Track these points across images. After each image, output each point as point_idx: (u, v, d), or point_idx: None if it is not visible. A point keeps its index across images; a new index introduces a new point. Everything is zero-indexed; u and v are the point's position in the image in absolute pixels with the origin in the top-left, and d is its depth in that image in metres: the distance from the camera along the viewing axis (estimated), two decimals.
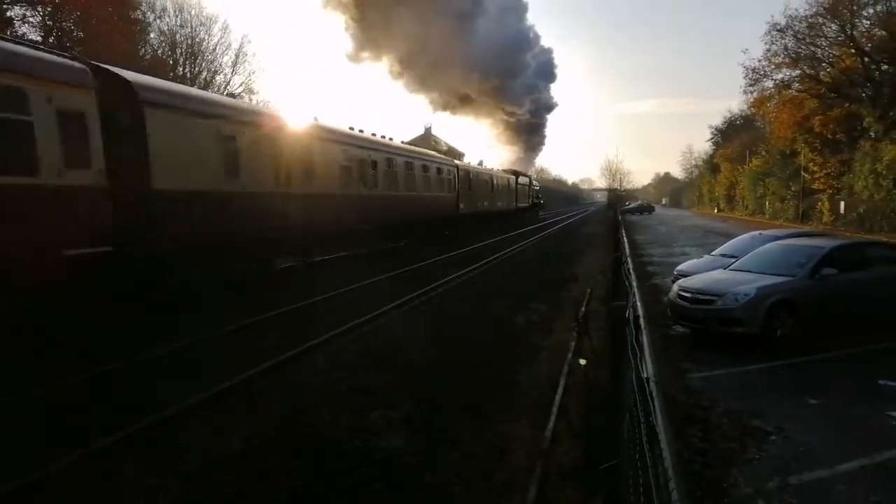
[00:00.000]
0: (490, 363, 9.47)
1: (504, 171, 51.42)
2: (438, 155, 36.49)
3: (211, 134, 13.67)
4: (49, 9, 31.41)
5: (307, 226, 17.73)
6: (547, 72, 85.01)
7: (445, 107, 74.06)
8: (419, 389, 8.04)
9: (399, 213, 25.45)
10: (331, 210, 19.36)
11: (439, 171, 31.93)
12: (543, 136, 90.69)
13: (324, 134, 19.59)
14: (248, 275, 15.08)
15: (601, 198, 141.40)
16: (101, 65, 11.55)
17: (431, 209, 30.26)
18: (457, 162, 39.27)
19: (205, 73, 42.53)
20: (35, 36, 30.12)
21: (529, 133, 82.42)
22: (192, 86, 31.76)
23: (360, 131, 24.33)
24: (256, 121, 16.05)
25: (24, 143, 9.27)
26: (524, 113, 78.91)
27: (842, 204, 44.51)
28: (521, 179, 55.03)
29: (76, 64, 10.66)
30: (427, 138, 67.93)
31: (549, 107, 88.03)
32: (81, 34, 31.49)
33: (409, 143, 36.78)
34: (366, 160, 22.60)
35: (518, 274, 19.78)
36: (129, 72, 12.54)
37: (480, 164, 48.69)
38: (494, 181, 44.27)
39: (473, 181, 38.48)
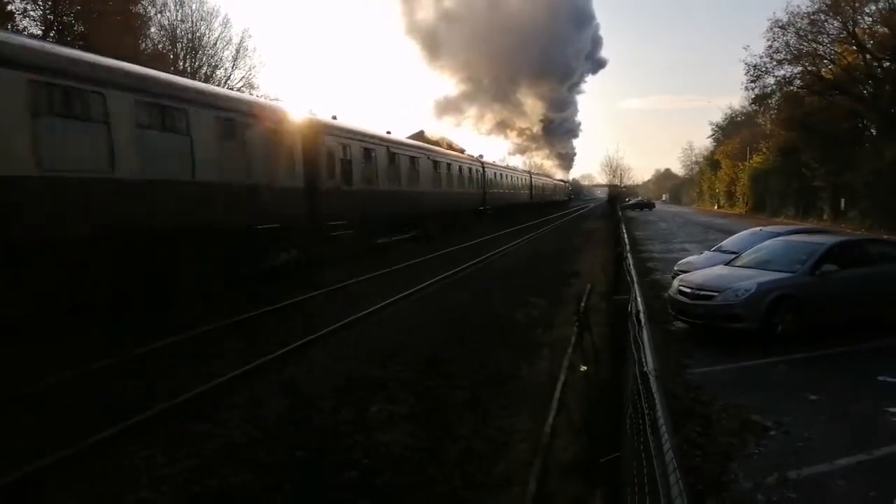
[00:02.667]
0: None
1: (560, 179, 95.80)
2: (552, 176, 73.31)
3: None
4: (50, 3, 31.37)
5: None
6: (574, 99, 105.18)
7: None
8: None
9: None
10: None
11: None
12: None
13: None
14: None
15: (601, 194, 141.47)
16: None
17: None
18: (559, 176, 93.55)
19: (205, 68, 42.50)
20: (36, 30, 30.12)
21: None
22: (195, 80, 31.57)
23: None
24: None
25: None
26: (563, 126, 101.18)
27: (843, 201, 44.50)
28: (566, 183, 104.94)
29: None
30: (422, 135, 69.99)
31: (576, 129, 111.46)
32: (82, 28, 31.46)
33: (410, 137, 35.36)
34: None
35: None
36: None
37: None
38: (557, 185, 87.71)
39: (557, 185, 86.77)
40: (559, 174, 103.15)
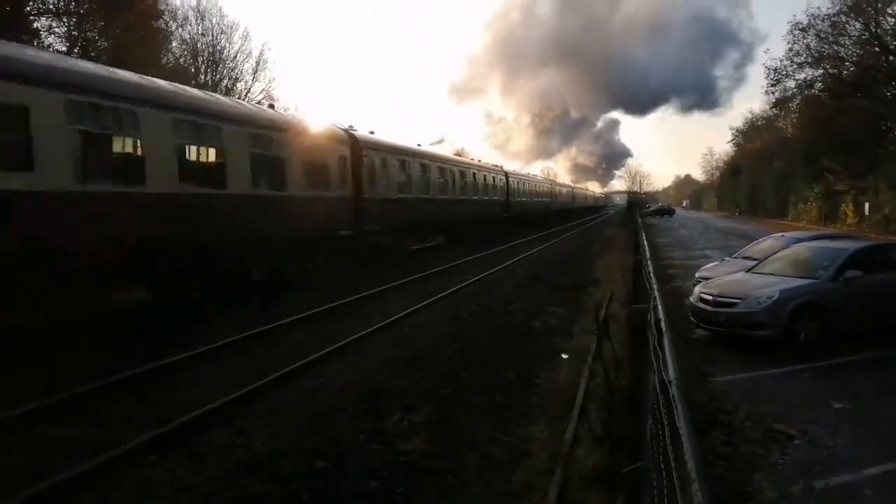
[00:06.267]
0: None
1: (600, 193, 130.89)
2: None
3: None
4: (74, 20, 31.97)
5: None
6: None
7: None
8: None
9: None
10: None
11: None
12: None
13: None
14: None
15: (620, 200, 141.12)
16: None
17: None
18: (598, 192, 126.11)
19: (226, 81, 43.02)
20: (61, 46, 30.71)
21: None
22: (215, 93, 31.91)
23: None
24: None
25: None
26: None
27: (866, 205, 43.85)
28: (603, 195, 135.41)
29: None
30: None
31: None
32: (106, 44, 32.02)
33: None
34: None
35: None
36: None
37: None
38: (599, 196, 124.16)
39: (605, 197, 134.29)
40: (597, 188, 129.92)
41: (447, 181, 29.11)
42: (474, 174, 33.83)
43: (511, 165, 48.42)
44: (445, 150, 38.07)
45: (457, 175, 30.63)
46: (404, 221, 23.01)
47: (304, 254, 16.79)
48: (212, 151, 13.44)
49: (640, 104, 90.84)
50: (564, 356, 9.76)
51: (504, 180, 40.37)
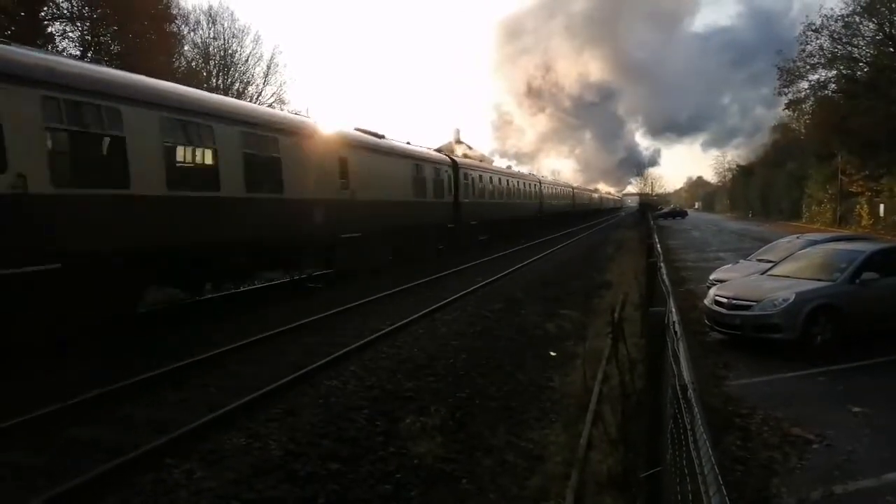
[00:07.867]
0: None
1: (619, 194, 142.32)
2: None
3: None
4: (87, 24, 32.25)
5: None
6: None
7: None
8: None
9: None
10: None
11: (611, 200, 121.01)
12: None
13: None
14: None
15: (632, 203, 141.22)
16: None
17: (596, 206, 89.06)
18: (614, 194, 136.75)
19: (237, 84, 43.24)
20: (74, 51, 30.98)
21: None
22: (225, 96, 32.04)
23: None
24: None
25: None
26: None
27: (881, 207, 43.44)
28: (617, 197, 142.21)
29: None
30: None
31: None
32: (119, 48, 32.27)
33: (437, 150, 37.92)
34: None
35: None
36: None
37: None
38: (617, 199, 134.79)
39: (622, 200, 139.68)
40: (610, 189, 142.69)
41: (566, 195, 59.79)
42: (621, 198, 69.55)
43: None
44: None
45: (566, 191, 60.67)
46: (553, 214, 51.39)
47: (524, 225, 40.12)
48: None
49: (676, 129, 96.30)
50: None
51: (571, 192, 65.74)
